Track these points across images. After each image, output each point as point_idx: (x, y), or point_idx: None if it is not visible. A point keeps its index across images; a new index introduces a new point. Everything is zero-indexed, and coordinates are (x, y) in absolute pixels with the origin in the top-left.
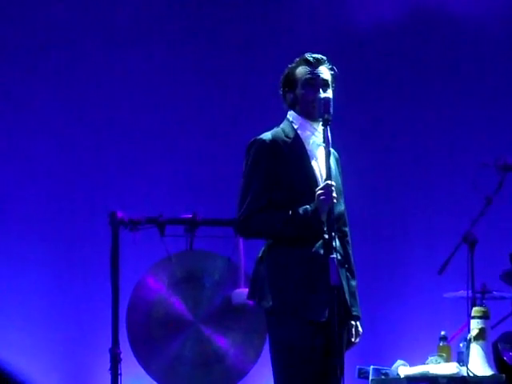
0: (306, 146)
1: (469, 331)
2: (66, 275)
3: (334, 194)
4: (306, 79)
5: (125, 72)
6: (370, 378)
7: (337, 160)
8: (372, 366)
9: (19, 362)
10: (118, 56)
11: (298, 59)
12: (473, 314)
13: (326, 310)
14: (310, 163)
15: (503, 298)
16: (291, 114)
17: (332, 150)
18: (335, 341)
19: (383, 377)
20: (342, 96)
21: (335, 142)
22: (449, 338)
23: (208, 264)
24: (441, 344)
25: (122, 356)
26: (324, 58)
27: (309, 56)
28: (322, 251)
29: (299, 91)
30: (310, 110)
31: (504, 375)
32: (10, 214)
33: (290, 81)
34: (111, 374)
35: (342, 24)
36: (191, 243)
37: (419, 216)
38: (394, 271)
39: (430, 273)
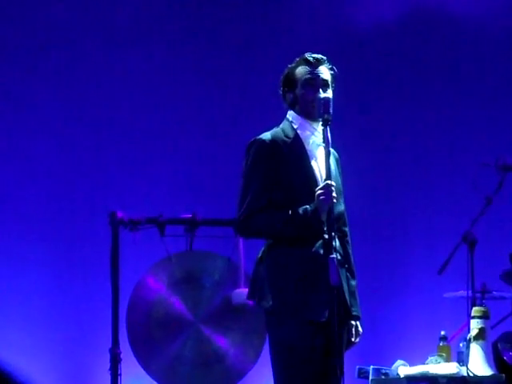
0: (306, 146)
1: (469, 331)
2: (66, 275)
3: (334, 194)
4: (306, 79)
5: (125, 72)
6: (370, 377)
7: (337, 160)
8: (372, 366)
9: (19, 362)
10: (118, 56)
11: (297, 59)
12: (473, 314)
13: (326, 310)
14: (310, 163)
15: (503, 297)
16: (291, 114)
17: (332, 149)
18: (335, 341)
19: (383, 377)
20: (341, 96)
21: (335, 141)
22: (449, 338)
23: (208, 264)
24: (441, 344)
25: (121, 356)
26: (324, 57)
27: (309, 56)
28: (321, 251)
29: (299, 91)
30: (310, 110)
31: (504, 375)
32: (9, 214)
33: (290, 81)
34: (111, 374)
35: (342, 24)
36: (191, 243)
37: (419, 216)
38: (394, 271)
39: (429, 273)
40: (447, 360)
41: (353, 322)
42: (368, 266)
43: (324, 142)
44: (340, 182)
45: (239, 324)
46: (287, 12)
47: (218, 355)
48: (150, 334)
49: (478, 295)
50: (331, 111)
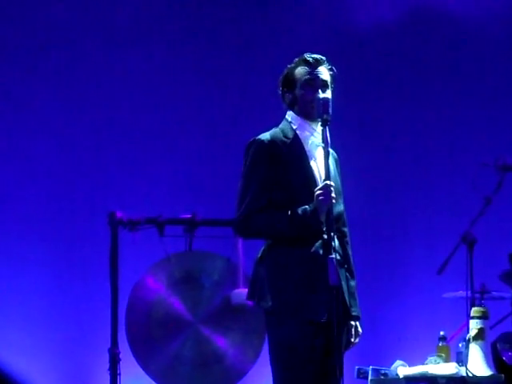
0: (305, 147)
1: (468, 331)
2: (66, 275)
3: (333, 195)
4: (305, 80)
5: (125, 72)
6: (369, 378)
7: (336, 160)
8: (371, 366)
9: (19, 362)
10: (118, 56)
11: (297, 59)
12: (472, 314)
13: (326, 310)
14: (309, 163)
15: (502, 298)
16: (290, 115)
17: (331, 150)
18: (335, 341)
19: (382, 377)
20: (341, 96)
21: (335, 141)
22: (448, 338)
23: (207, 264)
24: (440, 344)
25: (121, 356)
26: (323, 58)
27: (308, 56)
28: (321, 251)
29: (298, 91)
30: (309, 111)
31: (503, 375)
32: (10, 214)
33: (289, 81)
34: (110, 374)
35: (342, 24)
36: (190, 243)
37: (419, 216)
38: (394, 271)
39: (429, 273)
40: (446, 360)
41: (352, 323)
42: (368, 266)
43: (323, 142)
44: (339, 182)
45: (238, 324)
46: (287, 12)
47: (218, 355)
48: (149, 334)
49: (478, 295)
50: (330, 111)
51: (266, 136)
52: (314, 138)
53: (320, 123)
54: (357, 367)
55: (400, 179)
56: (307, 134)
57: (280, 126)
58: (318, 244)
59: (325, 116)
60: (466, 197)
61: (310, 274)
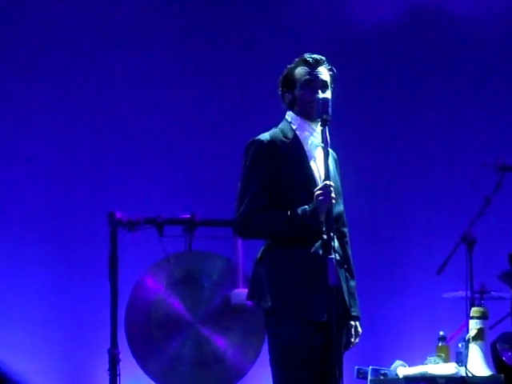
0: (305, 147)
1: (467, 331)
2: (66, 275)
3: (333, 195)
4: (305, 80)
5: (125, 72)
6: (369, 378)
7: (335, 160)
8: (371, 367)
9: (18, 362)
10: (118, 56)
11: (296, 60)
12: (471, 315)
13: (326, 310)
14: (309, 164)
15: (502, 298)
16: (290, 115)
17: (330, 150)
18: (334, 341)
19: (382, 377)
20: (341, 96)
21: (335, 142)
22: (447, 339)
23: (207, 264)
24: (439, 344)
25: (120, 356)
26: (323, 58)
27: (308, 56)
28: (320, 251)
29: (298, 92)
30: (309, 111)
31: (502, 375)
32: (10, 214)
33: (289, 81)
34: (110, 374)
35: (342, 24)
36: (190, 243)
37: (419, 216)
38: (394, 271)
39: (429, 273)
40: (446, 360)
41: (352, 323)
42: (368, 266)
43: (323, 142)
44: (339, 182)
45: (238, 324)
46: (287, 12)
47: (217, 355)
48: (148, 335)
49: (477, 295)
50: (330, 112)
51: (265, 136)
52: (314, 138)
53: (320, 123)
54: (356, 367)
55: (400, 179)
56: (307, 134)
57: (280, 126)
58: (317, 244)
59: (324, 116)
60: (465, 197)
61: (310, 274)
